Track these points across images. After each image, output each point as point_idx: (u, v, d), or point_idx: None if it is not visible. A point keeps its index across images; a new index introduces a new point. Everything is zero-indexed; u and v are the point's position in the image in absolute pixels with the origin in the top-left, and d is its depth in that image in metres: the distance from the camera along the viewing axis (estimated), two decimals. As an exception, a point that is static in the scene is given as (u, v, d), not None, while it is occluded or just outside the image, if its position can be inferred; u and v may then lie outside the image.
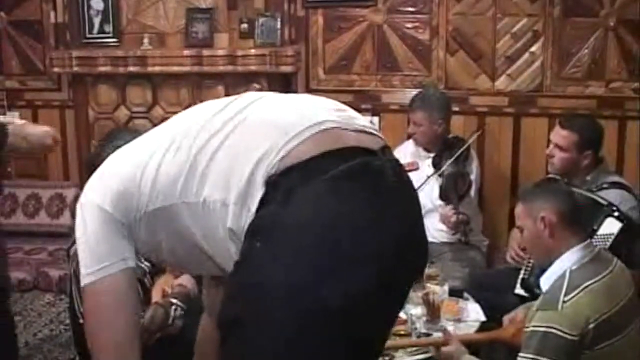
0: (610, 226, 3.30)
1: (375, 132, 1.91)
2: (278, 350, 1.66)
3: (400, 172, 1.87)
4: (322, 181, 1.70)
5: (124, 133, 2.90)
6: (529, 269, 3.62)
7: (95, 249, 1.84)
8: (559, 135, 3.90)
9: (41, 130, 3.34)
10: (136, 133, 2.15)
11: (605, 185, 3.69)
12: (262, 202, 1.72)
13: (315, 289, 1.65)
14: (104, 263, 1.83)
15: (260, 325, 1.68)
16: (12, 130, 3.22)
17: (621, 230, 3.35)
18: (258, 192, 1.72)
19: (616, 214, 3.38)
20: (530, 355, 2.63)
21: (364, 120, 1.92)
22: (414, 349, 3.23)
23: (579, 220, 2.85)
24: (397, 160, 1.92)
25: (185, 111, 1.98)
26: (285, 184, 1.70)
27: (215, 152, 1.78)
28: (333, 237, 1.68)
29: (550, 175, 3.90)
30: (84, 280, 1.86)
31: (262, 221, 1.71)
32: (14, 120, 3.50)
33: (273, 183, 1.71)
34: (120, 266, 1.84)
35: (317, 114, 1.81)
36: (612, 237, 3.33)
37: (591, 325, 2.57)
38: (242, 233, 1.74)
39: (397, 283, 1.83)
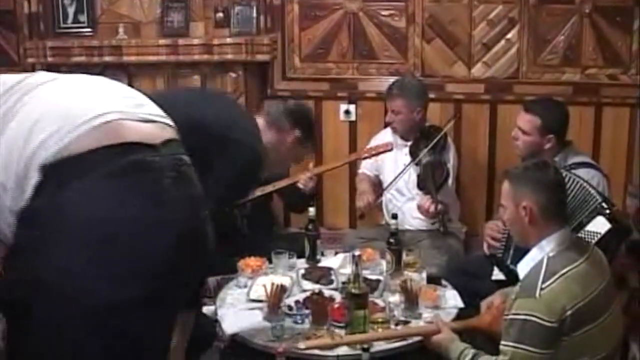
0: (599, 225, 3.27)
1: (163, 121, 1.92)
2: (53, 339, 1.76)
3: (180, 168, 1.89)
4: (97, 177, 1.73)
5: None
6: (502, 249, 3.64)
7: None
8: (522, 119, 3.95)
9: None
10: None
11: (574, 166, 3.72)
12: (37, 189, 1.73)
13: (92, 286, 1.71)
14: None
15: (42, 314, 1.74)
16: None
17: (609, 231, 3.34)
18: (33, 179, 1.72)
19: (608, 212, 3.37)
20: (511, 344, 2.64)
21: (152, 108, 1.93)
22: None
23: (561, 211, 2.84)
24: (179, 156, 1.93)
25: None
26: (59, 175, 1.72)
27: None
28: (106, 238, 1.72)
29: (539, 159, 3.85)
30: None
31: (38, 210, 1.73)
32: None
33: (48, 172, 1.72)
34: None
35: (104, 104, 1.83)
36: (599, 236, 3.31)
37: (568, 312, 2.59)
38: (17, 214, 1.75)
39: (176, 284, 1.88)
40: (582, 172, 3.60)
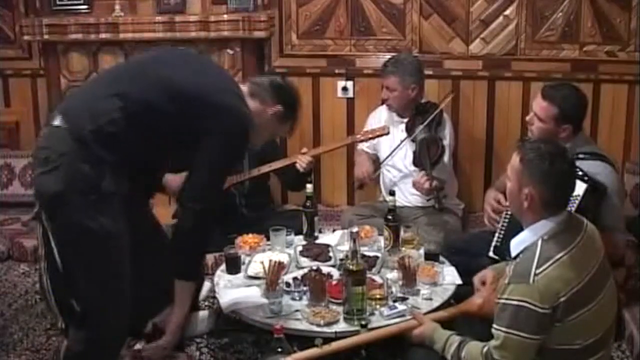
0: (576, 188, 3.23)
1: None
2: None
3: None
4: None
5: None
6: (501, 235, 3.62)
7: None
8: (539, 105, 3.71)
9: None
10: None
11: (581, 156, 3.60)
12: None
13: None
14: None
15: None
16: None
17: (586, 191, 3.34)
18: None
19: (580, 174, 3.36)
20: (503, 329, 2.62)
21: None
22: (390, 312, 3.25)
23: (562, 201, 2.77)
24: None
25: None
26: None
27: None
28: None
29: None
30: None
31: None
32: None
33: None
34: None
35: None
36: (579, 198, 3.31)
37: (562, 298, 2.56)
38: None
39: None
40: (588, 163, 3.50)
